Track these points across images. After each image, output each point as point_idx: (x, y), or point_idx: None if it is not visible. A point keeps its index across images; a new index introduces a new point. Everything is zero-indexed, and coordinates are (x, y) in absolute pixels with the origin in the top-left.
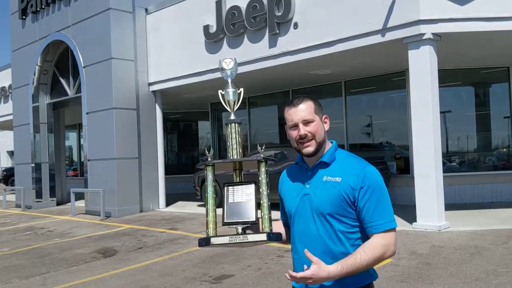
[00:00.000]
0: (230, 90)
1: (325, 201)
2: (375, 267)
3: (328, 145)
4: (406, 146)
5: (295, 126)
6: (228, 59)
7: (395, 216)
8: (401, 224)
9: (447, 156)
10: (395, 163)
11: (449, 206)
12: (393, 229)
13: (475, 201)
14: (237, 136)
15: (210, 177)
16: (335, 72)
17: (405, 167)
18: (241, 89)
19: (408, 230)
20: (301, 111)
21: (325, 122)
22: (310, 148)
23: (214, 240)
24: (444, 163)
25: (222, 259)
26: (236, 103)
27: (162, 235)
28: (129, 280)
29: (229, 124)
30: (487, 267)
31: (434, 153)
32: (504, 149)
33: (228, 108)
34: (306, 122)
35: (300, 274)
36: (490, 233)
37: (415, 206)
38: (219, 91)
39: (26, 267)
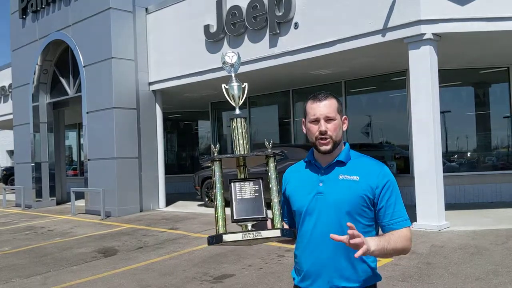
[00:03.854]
0: (235, 84)
1: (343, 200)
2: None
3: (342, 146)
4: (406, 146)
5: (317, 121)
6: (231, 52)
7: None
8: None
9: (447, 156)
10: (395, 162)
11: (449, 206)
12: (409, 227)
13: (475, 201)
14: (243, 131)
15: (217, 172)
16: (335, 72)
17: (405, 166)
18: (246, 84)
19: None
20: (325, 107)
21: (344, 123)
22: (327, 146)
23: (226, 237)
24: (444, 163)
25: (222, 258)
26: (240, 98)
27: (162, 235)
28: (129, 280)
29: (235, 119)
30: (487, 267)
31: (434, 153)
32: (504, 149)
33: (232, 103)
34: (328, 119)
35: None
36: (490, 233)
37: (415, 206)
38: (223, 85)
39: (27, 266)
